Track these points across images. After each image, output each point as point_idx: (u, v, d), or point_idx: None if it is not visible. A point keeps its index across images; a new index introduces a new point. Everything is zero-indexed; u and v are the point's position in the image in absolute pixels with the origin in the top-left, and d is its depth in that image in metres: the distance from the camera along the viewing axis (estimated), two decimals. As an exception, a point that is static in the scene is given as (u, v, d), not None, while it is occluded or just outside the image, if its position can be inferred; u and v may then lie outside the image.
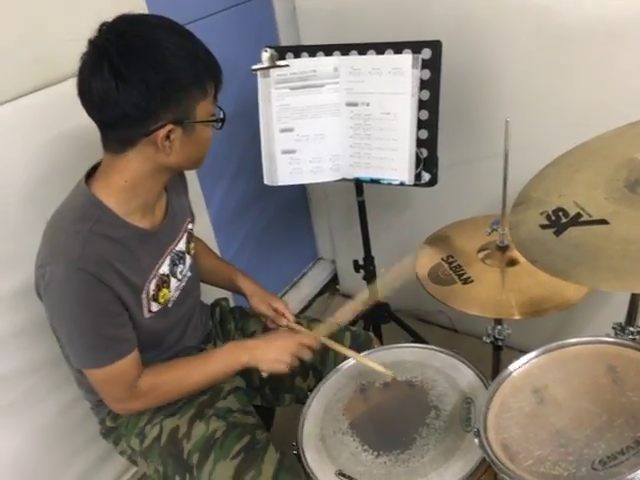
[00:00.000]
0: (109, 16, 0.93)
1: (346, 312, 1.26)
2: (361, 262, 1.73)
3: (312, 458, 1.04)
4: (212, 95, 0.99)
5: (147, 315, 1.08)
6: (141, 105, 0.90)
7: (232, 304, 1.48)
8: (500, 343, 1.35)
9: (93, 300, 0.97)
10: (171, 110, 0.93)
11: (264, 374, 1.16)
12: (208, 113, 0.99)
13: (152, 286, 1.08)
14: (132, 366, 1.05)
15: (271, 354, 1.14)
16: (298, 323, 1.31)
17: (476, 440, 0.89)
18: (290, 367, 1.15)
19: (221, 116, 1.03)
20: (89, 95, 0.92)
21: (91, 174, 1.04)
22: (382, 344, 1.36)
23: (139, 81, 0.89)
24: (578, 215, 0.92)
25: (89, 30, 0.92)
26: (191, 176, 1.57)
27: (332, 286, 2.39)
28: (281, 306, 1.31)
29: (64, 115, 1.22)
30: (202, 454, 1.10)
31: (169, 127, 0.93)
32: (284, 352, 1.14)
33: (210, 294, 1.43)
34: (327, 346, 1.25)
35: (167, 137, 0.95)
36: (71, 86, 0.95)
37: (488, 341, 1.34)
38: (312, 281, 2.36)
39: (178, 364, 1.14)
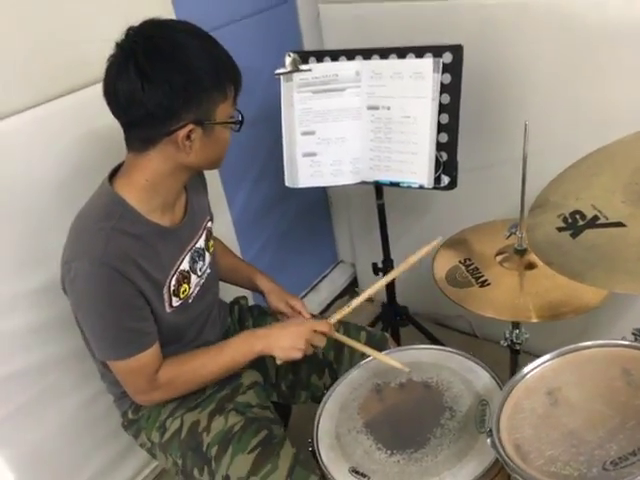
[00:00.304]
0: (137, 20, 0.97)
1: (359, 300, 1.24)
2: (380, 265, 1.74)
3: (327, 455, 1.06)
4: (232, 98, 1.02)
5: (169, 310, 1.12)
6: (164, 105, 0.94)
7: (251, 303, 1.51)
8: (517, 347, 1.34)
9: (116, 294, 1.00)
10: (192, 111, 0.96)
11: (279, 361, 1.17)
12: (227, 115, 1.02)
13: (173, 282, 1.11)
14: (153, 358, 1.08)
15: (285, 341, 1.15)
16: None
17: (488, 440, 0.89)
18: (304, 353, 1.15)
19: (240, 119, 1.06)
20: (115, 95, 0.96)
21: (114, 174, 1.08)
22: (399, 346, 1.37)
23: (163, 81, 0.93)
24: (595, 218, 0.92)
25: (117, 34, 0.96)
26: (214, 178, 1.61)
27: (351, 289, 2.40)
28: (298, 304, 1.33)
29: (90, 118, 1.27)
30: (220, 447, 1.12)
31: (190, 127, 0.97)
32: (298, 338, 1.14)
33: (229, 293, 1.46)
34: (343, 343, 1.27)
35: (188, 137, 0.98)
36: (98, 89, 0.99)
37: (505, 345, 1.34)
38: (332, 284, 2.37)
39: (195, 355, 1.16)
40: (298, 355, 1.14)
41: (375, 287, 1.26)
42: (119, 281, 0.99)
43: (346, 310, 1.24)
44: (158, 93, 0.93)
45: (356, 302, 1.24)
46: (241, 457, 1.09)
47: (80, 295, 1.02)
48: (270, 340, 1.16)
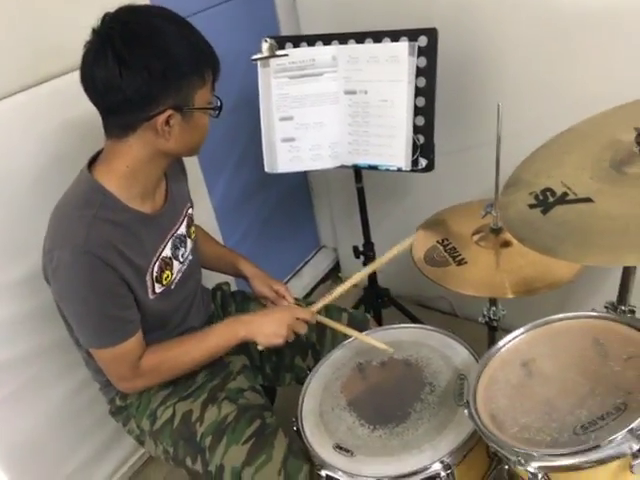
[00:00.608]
0: (113, 7, 0.96)
1: (342, 289, 1.28)
2: (361, 248, 1.76)
3: (311, 432, 1.09)
4: (210, 84, 1.03)
5: (151, 296, 1.12)
6: (143, 91, 0.94)
7: (233, 288, 1.52)
8: (495, 324, 1.38)
9: (99, 282, 1.01)
10: (171, 96, 0.97)
11: (260, 347, 1.19)
12: (206, 101, 1.03)
13: (155, 268, 1.12)
14: (136, 346, 1.09)
15: (267, 328, 1.17)
16: (298, 305, 1.35)
17: (466, 411, 0.92)
18: (286, 340, 1.17)
19: (218, 104, 1.07)
20: (92, 81, 0.96)
21: (93, 161, 1.08)
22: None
23: (142, 67, 0.93)
24: (564, 194, 0.95)
25: (92, 22, 0.95)
26: (193, 165, 1.61)
27: (334, 274, 2.43)
28: (282, 288, 1.35)
29: (68, 105, 1.26)
30: (214, 438, 1.12)
31: (169, 112, 0.97)
32: (280, 325, 1.16)
33: (212, 279, 1.47)
34: (325, 325, 1.29)
35: (167, 123, 0.98)
36: (75, 77, 0.98)
37: (483, 322, 1.37)
38: (314, 269, 2.39)
39: (178, 342, 1.18)
40: (279, 341, 1.17)
41: (357, 277, 1.29)
42: (102, 269, 1.00)
43: (328, 298, 1.27)
44: (136, 79, 0.93)
45: (338, 290, 1.28)
46: (235, 448, 1.10)
47: (63, 284, 1.02)
48: (253, 326, 1.17)
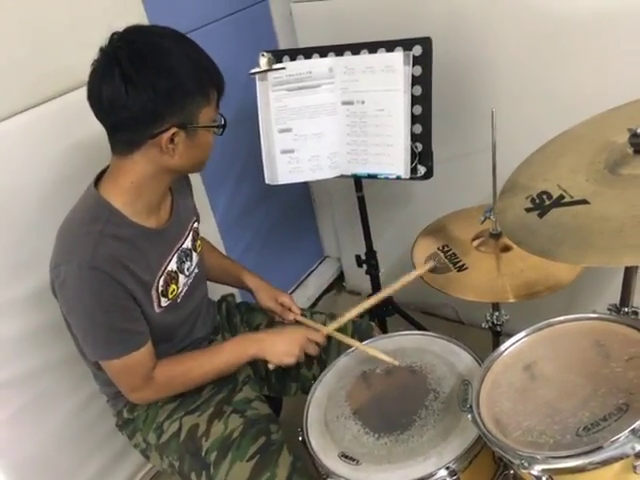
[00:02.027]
0: (112, 27, 0.99)
1: (352, 313, 1.29)
2: (363, 257, 1.77)
3: (316, 442, 1.09)
4: (214, 102, 1.05)
5: (157, 310, 1.13)
6: (148, 108, 0.96)
7: (238, 300, 1.53)
8: (499, 329, 1.38)
9: (106, 296, 1.02)
10: (176, 114, 0.98)
11: (271, 366, 1.21)
12: (210, 119, 1.05)
13: (161, 282, 1.13)
14: (147, 357, 1.10)
15: (279, 347, 1.19)
16: (304, 315, 1.36)
17: (469, 416, 0.92)
18: (297, 360, 1.19)
19: (222, 122, 1.08)
20: (99, 99, 0.98)
21: (100, 178, 1.09)
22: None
23: (147, 86, 0.95)
24: (560, 197, 0.95)
25: (97, 41, 0.98)
26: (196, 180, 1.63)
27: (338, 283, 2.44)
28: (287, 299, 1.36)
29: (75, 124, 1.29)
30: (219, 454, 1.13)
31: (173, 130, 0.99)
32: (292, 345, 1.19)
33: (216, 291, 1.48)
34: (335, 338, 1.30)
35: (171, 140, 1.00)
36: (81, 94, 1.01)
37: (487, 327, 1.37)
38: (319, 279, 2.40)
39: (190, 356, 1.19)
40: (291, 361, 1.19)
41: (364, 305, 1.30)
42: (108, 283, 1.01)
43: (341, 321, 1.28)
44: (142, 97, 0.95)
45: (350, 314, 1.29)
46: (240, 465, 1.10)
47: (70, 298, 1.03)
48: (265, 345, 1.19)
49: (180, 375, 1.17)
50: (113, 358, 1.07)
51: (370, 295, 1.35)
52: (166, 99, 0.96)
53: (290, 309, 1.36)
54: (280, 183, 1.54)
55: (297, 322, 1.34)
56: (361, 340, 1.27)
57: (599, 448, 0.75)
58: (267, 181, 1.55)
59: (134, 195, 1.06)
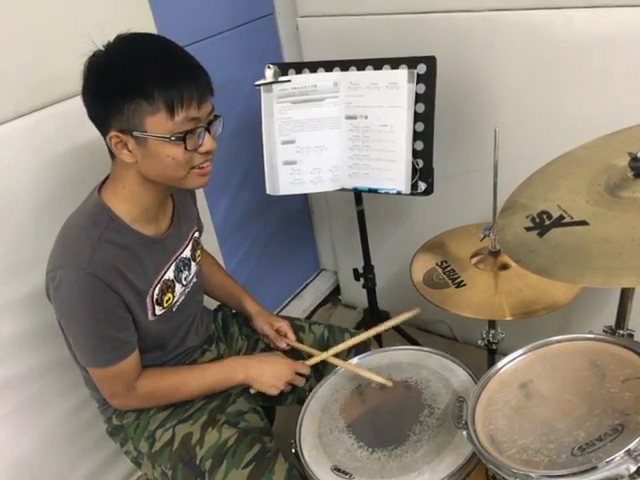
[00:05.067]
0: (119, 31, 0.99)
1: (351, 342, 1.30)
2: (361, 271, 1.77)
3: (309, 454, 1.08)
4: (168, 112, 0.95)
5: (151, 318, 1.13)
6: (91, 113, 1.00)
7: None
8: (494, 347, 1.38)
9: (99, 303, 1.02)
10: (116, 118, 0.96)
11: (252, 391, 1.23)
12: (165, 130, 0.96)
13: (156, 291, 1.13)
14: (132, 366, 1.10)
15: (266, 378, 1.20)
16: (300, 342, 1.36)
17: (464, 433, 0.92)
18: (280, 392, 1.21)
19: (201, 142, 0.99)
20: None
21: (104, 182, 1.10)
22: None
23: (88, 90, 0.99)
24: (561, 217, 0.96)
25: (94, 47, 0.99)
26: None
27: (334, 297, 2.44)
28: (284, 326, 1.36)
29: (75, 128, 1.29)
30: (215, 461, 1.12)
31: (113, 133, 0.97)
32: (279, 379, 1.20)
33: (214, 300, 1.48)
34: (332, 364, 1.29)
35: (125, 146, 0.99)
36: (79, 101, 1.02)
37: (482, 344, 1.38)
38: (315, 291, 2.41)
39: (177, 372, 1.20)
40: (274, 393, 1.21)
41: (357, 339, 1.30)
42: (103, 290, 1.01)
43: (327, 354, 1.28)
44: (86, 101, 0.99)
45: (340, 347, 1.29)
46: (235, 472, 1.10)
47: (64, 302, 1.03)
48: (253, 373, 1.21)
49: (163, 389, 1.17)
50: (100, 366, 1.07)
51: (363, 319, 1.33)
52: (102, 102, 0.97)
53: (286, 335, 1.36)
54: (281, 194, 1.55)
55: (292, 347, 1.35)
56: (357, 352, 1.28)
57: (594, 468, 0.75)
58: (268, 191, 1.56)
59: (129, 201, 1.06)
